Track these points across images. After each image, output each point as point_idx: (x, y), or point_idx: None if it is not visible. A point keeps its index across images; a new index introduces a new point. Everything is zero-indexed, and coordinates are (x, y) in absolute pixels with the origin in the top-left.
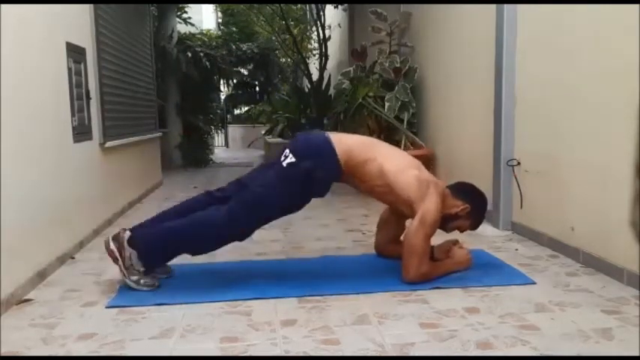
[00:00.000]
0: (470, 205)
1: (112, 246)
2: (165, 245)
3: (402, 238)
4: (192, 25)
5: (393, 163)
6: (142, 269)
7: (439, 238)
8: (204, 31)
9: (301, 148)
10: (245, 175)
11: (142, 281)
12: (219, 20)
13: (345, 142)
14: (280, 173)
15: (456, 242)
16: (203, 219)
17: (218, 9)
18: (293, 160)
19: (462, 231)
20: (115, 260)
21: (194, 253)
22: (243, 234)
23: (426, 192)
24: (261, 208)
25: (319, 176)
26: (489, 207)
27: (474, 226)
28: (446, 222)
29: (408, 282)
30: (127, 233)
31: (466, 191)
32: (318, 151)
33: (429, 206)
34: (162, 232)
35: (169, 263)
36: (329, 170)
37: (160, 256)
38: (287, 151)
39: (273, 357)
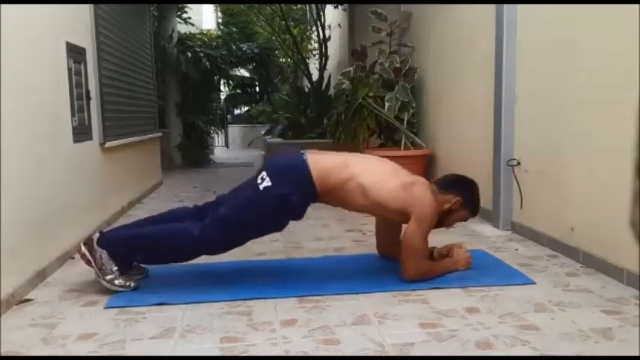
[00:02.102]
0: (460, 196)
1: (83, 249)
2: (133, 247)
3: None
4: (193, 25)
5: (371, 178)
6: (114, 268)
7: (444, 237)
8: (205, 31)
9: (278, 171)
10: (224, 195)
11: (115, 281)
12: (219, 20)
13: (322, 164)
14: (256, 196)
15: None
16: (176, 230)
17: (218, 9)
18: (269, 183)
19: (465, 221)
20: (88, 263)
21: (160, 259)
22: (213, 250)
23: (412, 193)
24: (234, 229)
25: (294, 200)
26: (489, 207)
27: (474, 213)
28: (442, 219)
29: (406, 280)
30: (96, 235)
31: (452, 183)
32: (293, 175)
33: (421, 205)
34: (132, 234)
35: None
36: (304, 194)
37: (128, 256)
38: (264, 173)
39: (273, 357)
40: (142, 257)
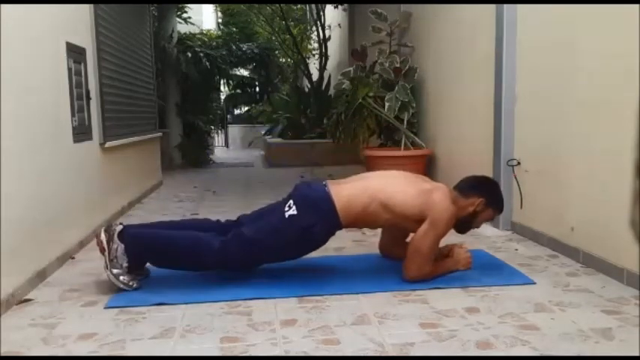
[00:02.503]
0: (482, 196)
1: (103, 236)
2: (152, 248)
3: (408, 239)
4: (193, 24)
5: (389, 190)
6: (125, 264)
7: (444, 237)
8: (205, 31)
9: (304, 201)
10: (249, 214)
11: (121, 277)
12: (219, 20)
13: (343, 194)
14: (281, 222)
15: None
16: (197, 239)
17: (218, 9)
18: (295, 212)
19: (492, 219)
20: (102, 251)
21: (173, 264)
22: (228, 266)
23: (430, 199)
24: (255, 251)
25: (317, 232)
26: None
27: (500, 210)
28: (469, 222)
29: (407, 280)
30: (119, 227)
31: (472, 185)
32: (318, 207)
33: (437, 209)
34: (154, 235)
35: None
36: (329, 226)
37: (144, 256)
38: (291, 202)
39: (273, 357)
40: (155, 259)
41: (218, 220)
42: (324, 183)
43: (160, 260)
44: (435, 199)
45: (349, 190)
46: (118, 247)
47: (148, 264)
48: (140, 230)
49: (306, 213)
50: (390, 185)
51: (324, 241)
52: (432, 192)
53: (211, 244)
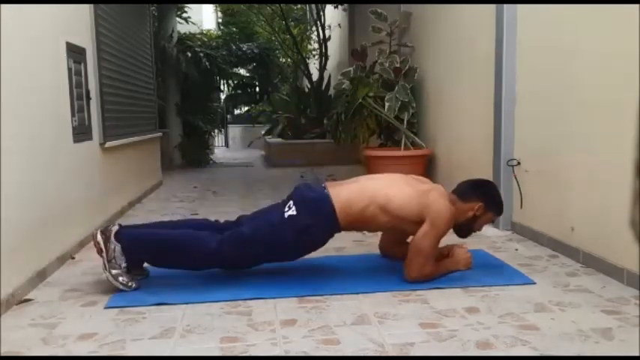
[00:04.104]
0: (481, 200)
1: (99, 237)
2: (149, 247)
3: (409, 239)
4: (194, 24)
5: (387, 193)
6: (123, 265)
7: (444, 238)
8: (205, 31)
9: (304, 202)
10: (247, 215)
11: (120, 278)
12: (219, 20)
13: (343, 196)
14: (280, 222)
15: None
16: (194, 238)
17: (218, 9)
18: (294, 212)
19: (492, 222)
20: (100, 252)
21: (171, 263)
22: (225, 264)
23: (428, 199)
24: (252, 249)
25: (315, 232)
26: None
27: (499, 213)
28: (470, 226)
29: (409, 281)
30: (116, 227)
31: (471, 189)
32: (317, 209)
33: (436, 209)
34: (151, 235)
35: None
36: (327, 228)
37: (141, 255)
38: (291, 202)
39: (273, 357)
40: (153, 259)
41: (217, 221)
42: (323, 185)
43: (158, 260)
44: (433, 199)
45: (348, 193)
46: (116, 247)
47: (146, 264)
48: (137, 230)
49: (305, 214)
50: (387, 187)
51: (322, 243)
52: (429, 192)
53: (208, 242)
